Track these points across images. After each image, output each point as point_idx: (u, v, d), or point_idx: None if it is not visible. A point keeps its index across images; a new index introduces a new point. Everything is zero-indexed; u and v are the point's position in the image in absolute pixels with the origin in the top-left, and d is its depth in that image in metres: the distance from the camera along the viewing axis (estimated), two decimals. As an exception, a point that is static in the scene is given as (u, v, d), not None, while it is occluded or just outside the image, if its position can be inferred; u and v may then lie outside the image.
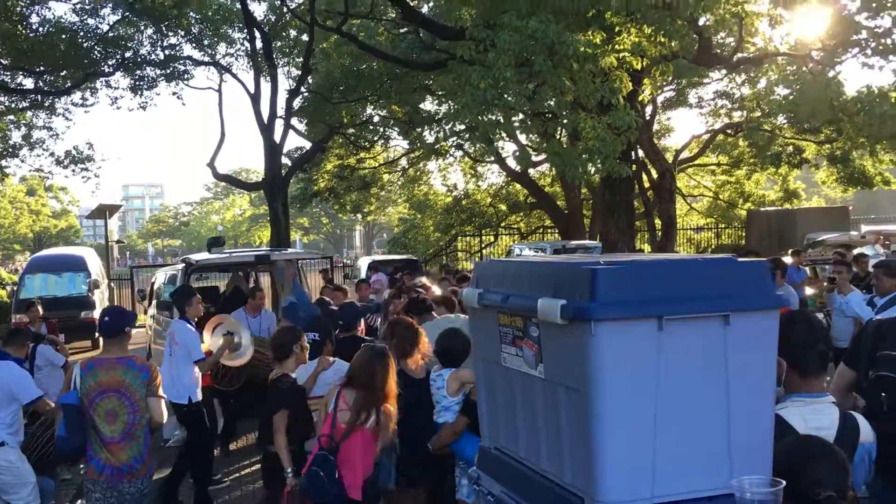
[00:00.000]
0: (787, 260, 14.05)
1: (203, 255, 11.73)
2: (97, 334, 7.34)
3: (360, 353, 4.82)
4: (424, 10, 21.30)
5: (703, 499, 2.38)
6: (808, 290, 13.19)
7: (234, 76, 21.66)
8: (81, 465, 8.11)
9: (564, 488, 2.51)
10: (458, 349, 4.83)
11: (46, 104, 20.44)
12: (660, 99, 26.42)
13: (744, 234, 28.65)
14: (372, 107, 22.72)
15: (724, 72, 22.02)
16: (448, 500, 4.87)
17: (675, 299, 2.32)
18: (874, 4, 12.92)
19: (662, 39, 10.97)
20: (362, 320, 8.22)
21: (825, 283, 10.83)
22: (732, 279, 2.42)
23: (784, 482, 2.07)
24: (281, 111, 20.43)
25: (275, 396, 5.15)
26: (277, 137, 20.45)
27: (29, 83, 19.67)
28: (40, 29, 18.74)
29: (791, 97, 20.14)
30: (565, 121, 11.95)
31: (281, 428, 4.99)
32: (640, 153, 21.73)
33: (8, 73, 19.24)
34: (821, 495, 2.21)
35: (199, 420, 7.38)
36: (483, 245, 30.37)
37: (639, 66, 11.32)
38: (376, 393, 4.56)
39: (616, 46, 10.84)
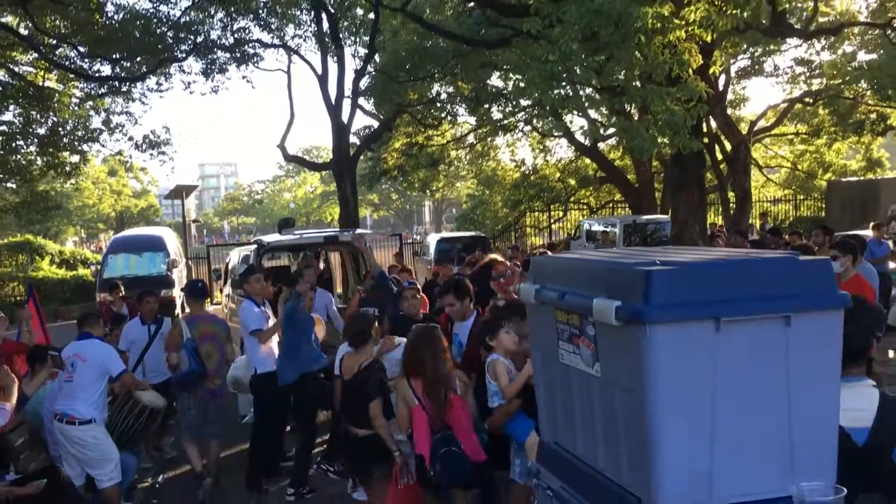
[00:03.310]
0: (868, 233, 13.56)
1: (274, 237, 11.98)
2: (185, 295, 8.40)
3: (408, 339, 5.04)
4: (490, -16, 21.10)
5: (763, 501, 2.34)
6: (892, 265, 12.71)
7: (302, 57, 21.88)
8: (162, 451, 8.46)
9: (623, 488, 2.51)
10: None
11: (124, 90, 21.05)
12: (733, 68, 25.63)
13: (823, 206, 27.73)
14: (439, 84, 22.68)
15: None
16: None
17: (732, 300, 2.27)
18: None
19: (733, 11, 10.60)
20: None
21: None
22: (793, 278, 2.36)
23: (845, 490, 2.02)
24: (348, 91, 20.58)
25: (371, 384, 5.28)
26: (345, 117, 20.62)
27: (106, 70, 20.27)
28: (116, 17, 19.26)
29: (874, 63, 19.31)
30: (633, 94, 11.68)
31: (379, 414, 5.18)
32: (714, 125, 21.18)
33: (86, 61, 19.87)
34: None
35: (262, 392, 7.53)
36: (552, 220, 30.13)
37: (709, 39, 10.99)
38: (437, 374, 4.72)
39: (685, 19, 10.54)
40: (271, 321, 7.63)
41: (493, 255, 8.50)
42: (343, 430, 5.77)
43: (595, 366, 2.57)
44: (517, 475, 4.54)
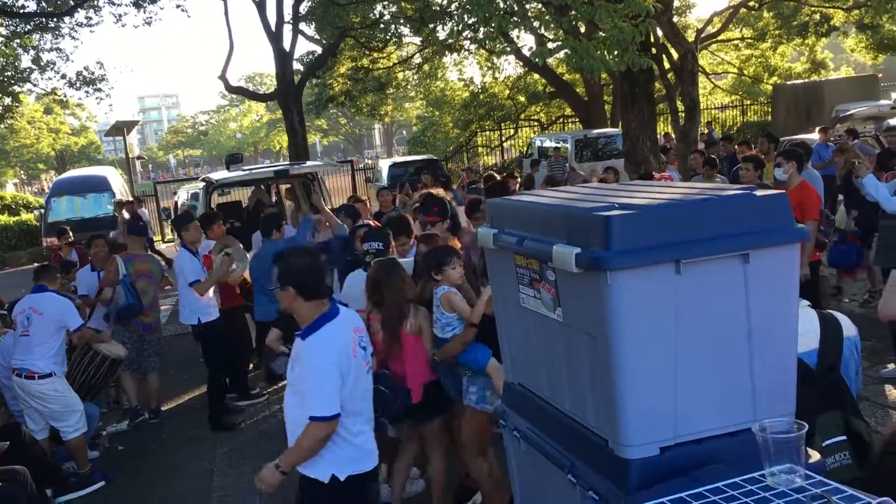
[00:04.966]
0: (815, 137, 13.74)
1: (223, 174, 11.74)
2: (126, 233, 8.52)
3: (369, 272, 4.94)
4: None
5: (726, 434, 2.39)
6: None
7: (238, -19, 21.09)
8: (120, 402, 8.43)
9: (589, 430, 2.54)
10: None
11: (51, 26, 20.09)
12: (679, -26, 25.40)
13: (770, 111, 28.01)
14: (381, 5, 22.07)
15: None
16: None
17: (691, 242, 2.26)
18: None
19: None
20: None
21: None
22: (750, 215, 2.35)
23: (807, 425, 2.07)
24: (288, 16, 19.92)
25: None
26: (287, 44, 19.99)
27: (31, 5, 19.30)
28: (37, -53, 18.30)
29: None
30: (580, 11, 11.48)
31: None
32: (660, 33, 21.01)
33: (9, -3, 18.88)
34: None
35: (210, 339, 7.53)
36: (503, 139, 29.99)
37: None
38: (396, 306, 4.66)
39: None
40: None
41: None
42: None
43: (556, 310, 2.57)
44: (474, 402, 4.58)
